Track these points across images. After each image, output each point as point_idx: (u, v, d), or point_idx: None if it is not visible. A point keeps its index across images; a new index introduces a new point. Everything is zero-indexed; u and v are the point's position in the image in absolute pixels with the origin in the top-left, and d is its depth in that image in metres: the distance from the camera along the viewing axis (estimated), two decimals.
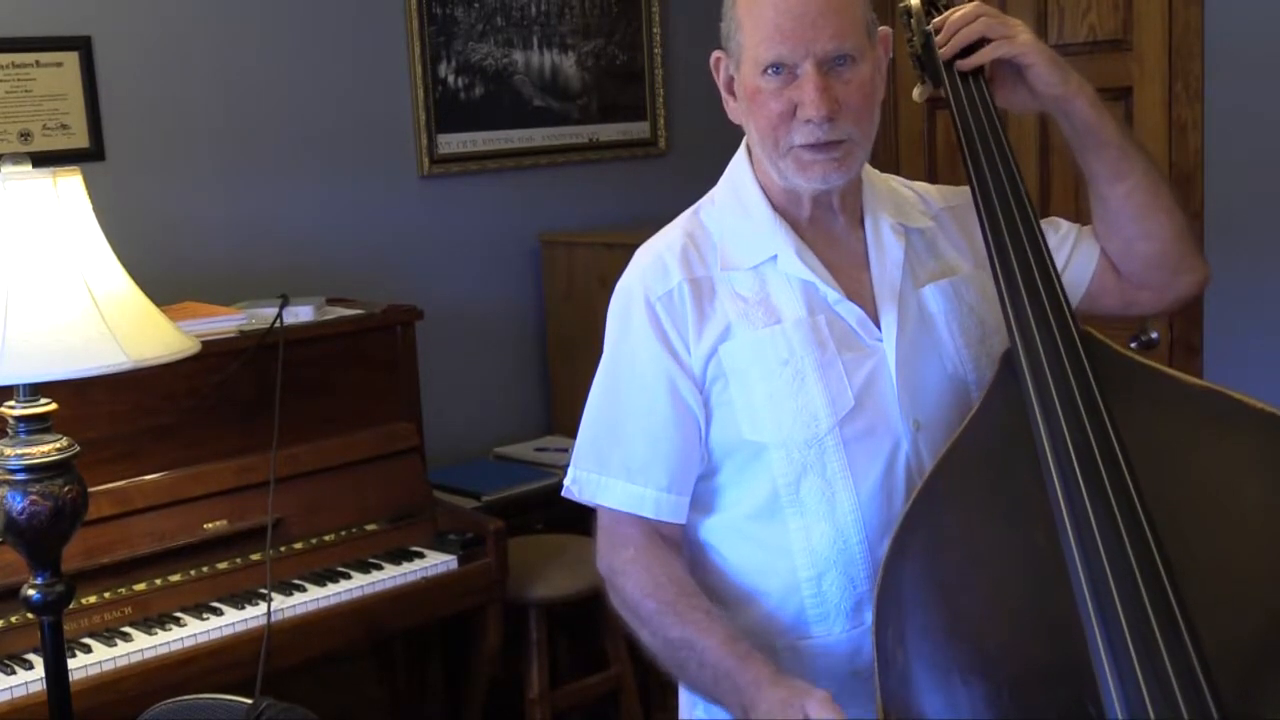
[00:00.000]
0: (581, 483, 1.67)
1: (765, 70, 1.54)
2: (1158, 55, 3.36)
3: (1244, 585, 1.41)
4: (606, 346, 1.70)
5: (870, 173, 1.72)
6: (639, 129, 4.10)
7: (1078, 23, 3.52)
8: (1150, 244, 1.71)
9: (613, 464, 1.64)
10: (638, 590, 1.59)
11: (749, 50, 1.56)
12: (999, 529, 1.48)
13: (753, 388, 1.59)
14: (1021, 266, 1.58)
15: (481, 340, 3.77)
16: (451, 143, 3.67)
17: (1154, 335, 3.37)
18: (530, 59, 3.83)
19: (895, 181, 1.78)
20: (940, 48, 1.68)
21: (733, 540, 1.65)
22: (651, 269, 1.66)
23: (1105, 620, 1.36)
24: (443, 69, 3.64)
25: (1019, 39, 1.63)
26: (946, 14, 1.69)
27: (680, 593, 1.57)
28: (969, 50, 1.67)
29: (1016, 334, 1.55)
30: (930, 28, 1.71)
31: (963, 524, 1.50)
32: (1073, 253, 1.75)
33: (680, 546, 1.67)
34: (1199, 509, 1.45)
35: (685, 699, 1.77)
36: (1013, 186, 1.64)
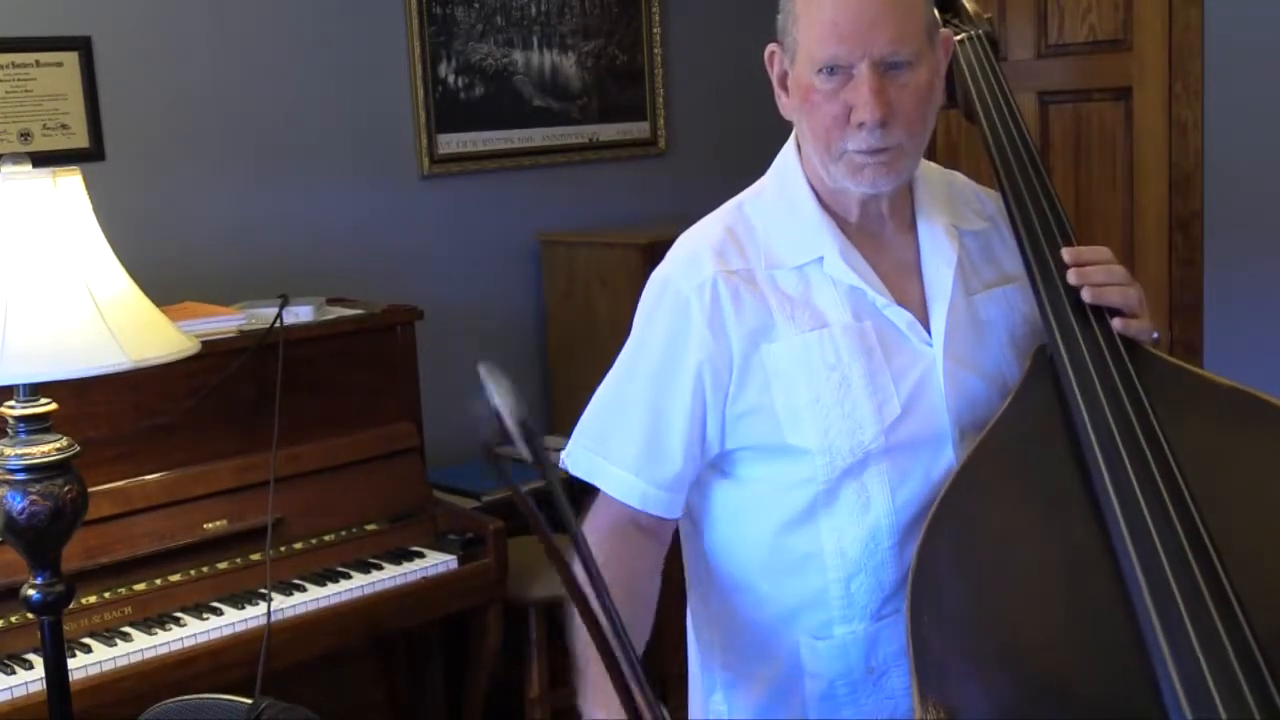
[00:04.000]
0: (576, 457, 1.65)
1: (820, 70, 1.49)
2: (1158, 55, 3.36)
3: None
4: (633, 331, 1.67)
5: (926, 170, 1.68)
6: (639, 129, 4.10)
7: (1078, 23, 3.52)
8: None
9: (611, 448, 1.63)
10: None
11: (804, 47, 1.51)
12: (1032, 520, 1.49)
13: (797, 392, 1.56)
14: (1058, 265, 1.59)
15: (481, 340, 3.77)
16: (451, 143, 3.67)
17: (1154, 335, 3.37)
18: (530, 59, 3.83)
19: (960, 179, 1.74)
20: (1078, 283, 1.59)
21: (763, 540, 1.63)
22: (686, 261, 1.62)
23: (1157, 595, 1.36)
24: (443, 69, 3.64)
25: (1147, 321, 1.61)
26: (1081, 253, 1.61)
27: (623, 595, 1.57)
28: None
29: (1055, 325, 1.55)
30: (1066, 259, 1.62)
31: (996, 515, 1.50)
32: None
33: (656, 538, 1.65)
34: (1235, 501, 1.46)
35: (696, 699, 1.77)
36: (1045, 192, 1.66)
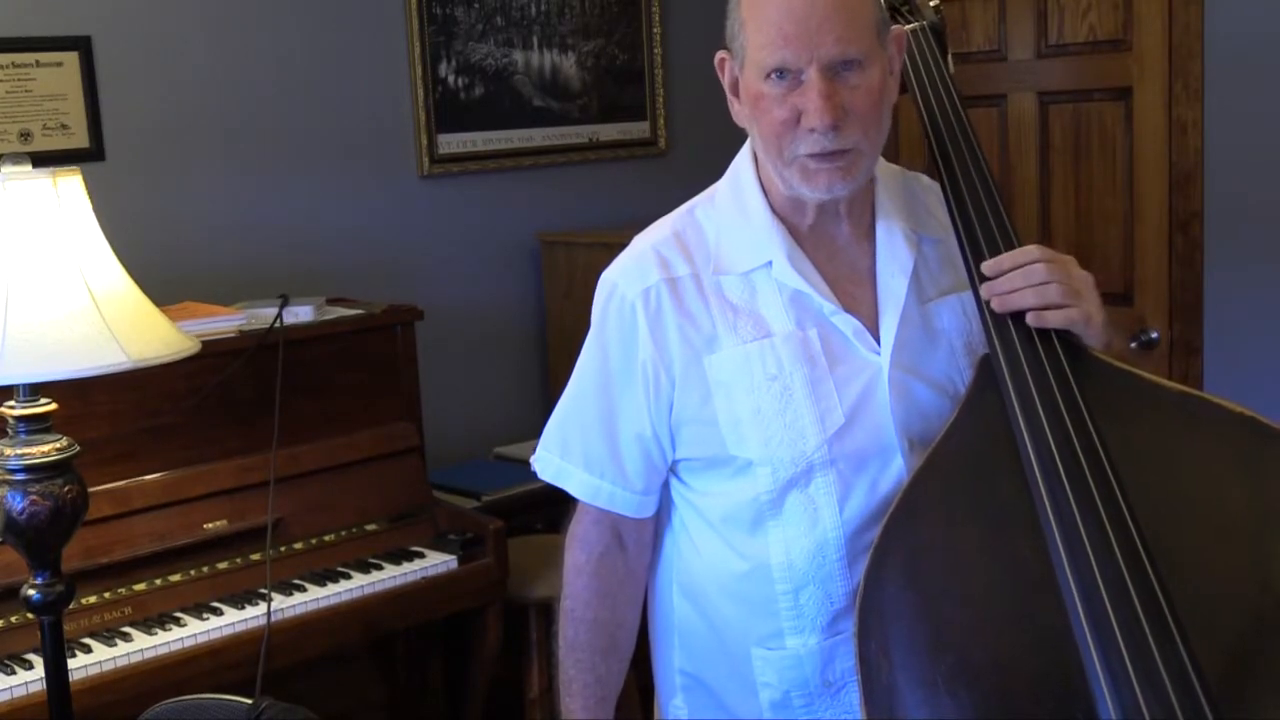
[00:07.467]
0: (544, 462, 1.72)
1: (768, 76, 1.47)
2: (1158, 55, 3.36)
3: (1227, 587, 1.40)
4: (589, 334, 1.68)
5: (886, 173, 1.66)
6: (639, 129, 4.10)
7: (1078, 23, 3.52)
8: None
9: (573, 452, 1.67)
10: (576, 608, 1.70)
11: (751, 54, 1.49)
12: (980, 536, 1.47)
13: (738, 403, 1.55)
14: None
15: (481, 340, 3.77)
16: (451, 143, 3.67)
17: (1154, 335, 3.37)
18: (530, 59, 3.83)
19: (924, 181, 1.72)
20: (986, 297, 1.53)
21: (713, 545, 1.62)
22: (631, 266, 1.62)
23: (1096, 623, 1.35)
24: (443, 69, 3.64)
25: (1085, 307, 1.50)
26: (1000, 263, 1.54)
27: (592, 648, 1.69)
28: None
29: (995, 337, 1.52)
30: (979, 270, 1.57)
31: (943, 533, 1.48)
32: None
33: (642, 548, 1.69)
34: (1181, 511, 1.44)
35: (658, 702, 1.77)
36: (985, 188, 1.63)
